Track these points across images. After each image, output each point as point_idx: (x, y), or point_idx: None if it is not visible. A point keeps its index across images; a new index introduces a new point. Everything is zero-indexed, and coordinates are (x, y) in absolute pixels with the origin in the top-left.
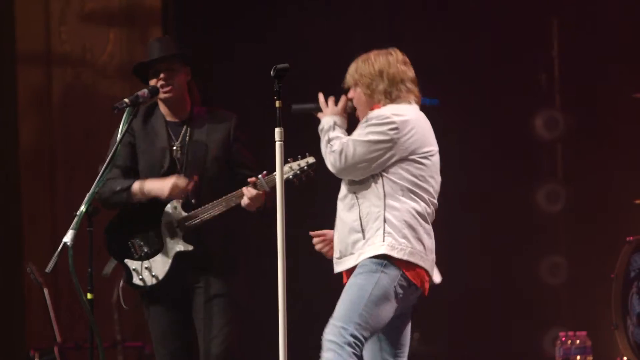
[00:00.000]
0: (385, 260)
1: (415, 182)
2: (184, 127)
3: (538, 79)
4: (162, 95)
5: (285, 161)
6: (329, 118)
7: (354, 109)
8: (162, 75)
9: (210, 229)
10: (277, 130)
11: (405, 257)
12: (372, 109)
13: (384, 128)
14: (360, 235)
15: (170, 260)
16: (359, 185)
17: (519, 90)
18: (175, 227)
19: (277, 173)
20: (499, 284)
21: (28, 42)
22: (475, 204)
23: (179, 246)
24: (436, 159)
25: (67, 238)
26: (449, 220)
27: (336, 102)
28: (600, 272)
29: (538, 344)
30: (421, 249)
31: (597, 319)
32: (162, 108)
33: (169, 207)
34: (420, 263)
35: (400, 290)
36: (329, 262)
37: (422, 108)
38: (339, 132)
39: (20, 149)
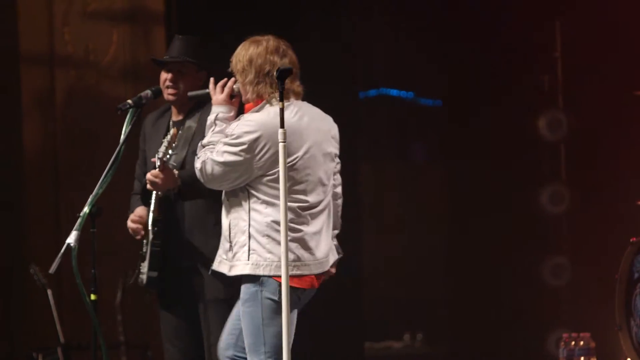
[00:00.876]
0: (256, 278)
1: (278, 194)
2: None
3: (541, 80)
4: (165, 97)
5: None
6: (214, 109)
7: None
8: (169, 76)
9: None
10: (280, 131)
11: (272, 273)
12: (245, 105)
13: (237, 149)
14: (229, 245)
15: (148, 259)
16: (230, 194)
17: (522, 91)
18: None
19: (281, 174)
20: (502, 285)
21: (31, 42)
22: (479, 205)
23: (148, 247)
24: (302, 163)
25: (71, 239)
26: (452, 220)
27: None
28: (604, 273)
29: (541, 345)
30: (293, 258)
31: (601, 320)
32: (172, 108)
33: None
34: (295, 272)
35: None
36: None
37: (422, 108)
38: (214, 136)
39: (24, 150)
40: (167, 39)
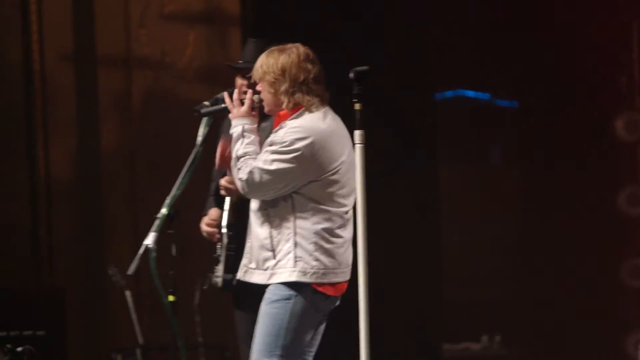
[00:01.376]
0: (297, 285)
1: (325, 199)
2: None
3: (618, 81)
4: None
5: None
6: (236, 122)
7: (262, 101)
8: (245, 82)
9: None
10: (357, 132)
11: (318, 280)
12: (278, 112)
13: (289, 157)
14: (271, 254)
15: (223, 262)
16: (269, 203)
17: (599, 92)
18: (224, 226)
19: (358, 176)
20: (581, 287)
21: (108, 45)
22: (555, 206)
23: (222, 250)
24: (345, 167)
25: (149, 241)
26: (528, 222)
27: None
28: None
29: (620, 346)
30: (335, 265)
31: None
32: None
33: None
34: (335, 280)
35: (319, 308)
36: None
37: (498, 109)
38: (247, 147)
39: (102, 153)
40: (243, 40)
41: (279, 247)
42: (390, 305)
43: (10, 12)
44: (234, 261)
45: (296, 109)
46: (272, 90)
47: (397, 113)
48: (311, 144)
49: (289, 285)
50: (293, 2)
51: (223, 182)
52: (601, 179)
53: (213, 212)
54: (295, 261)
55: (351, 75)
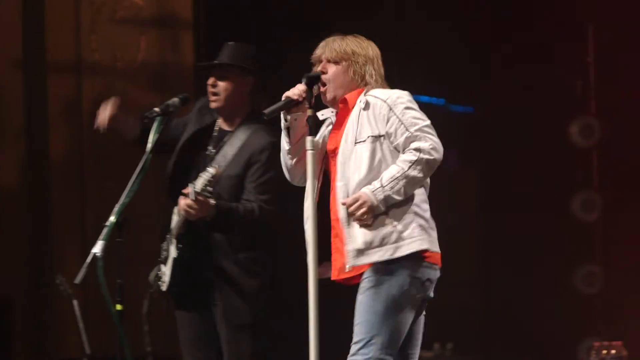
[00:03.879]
0: (409, 257)
1: None
2: (225, 138)
3: (573, 86)
4: (210, 104)
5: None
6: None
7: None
8: (210, 80)
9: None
10: (309, 139)
11: (435, 249)
12: (342, 97)
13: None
14: (390, 229)
15: (170, 267)
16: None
17: (554, 97)
18: (173, 233)
19: (309, 182)
20: (533, 293)
21: (58, 51)
22: (511, 212)
23: (173, 253)
24: None
25: (97, 249)
26: (483, 229)
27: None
28: (636, 281)
29: (573, 353)
30: (435, 235)
31: (634, 328)
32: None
33: (174, 211)
34: (437, 249)
35: (427, 284)
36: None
37: (453, 115)
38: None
39: (50, 159)
40: (195, 45)
41: (402, 220)
42: (341, 312)
43: None
44: (181, 269)
45: (364, 88)
46: (361, 72)
47: None
48: None
49: (408, 259)
50: (245, 5)
51: (183, 204)
52: (556, 185)
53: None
54: (420, 230)
55: (303, 80)
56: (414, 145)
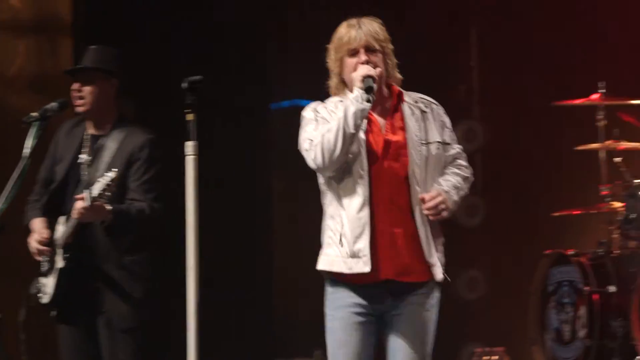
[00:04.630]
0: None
1: None
2: (98, 142)
3: (457, 90)
4: (75, 109)
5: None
6: None
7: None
8: (75, 85)
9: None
10: (190, 144)
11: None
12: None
13: None
14: (433, 247)
15: (55, 278)
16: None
17: (438, 101)
18: (59, 242)
19: (189, 189)
20: None
21: None
22: None
23: (60, 263)
24: None
25: None
26: None
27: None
28: (518, 286)
29: (454, 359)
30: None
31: (515, 334)
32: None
33: (58, 221)
34: None
35: None
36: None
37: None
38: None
39: None
40: (75, 48)
41: (437, 239)
42: (221, 318)
43: None
44: (66, 278)
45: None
46: (391, 63)
47: (234, 122)
48: None
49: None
50: (127, 9)
51: (79, 206)
52: None
53: (40, 226)
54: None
55: (184, 84)
56: (464, 163)
